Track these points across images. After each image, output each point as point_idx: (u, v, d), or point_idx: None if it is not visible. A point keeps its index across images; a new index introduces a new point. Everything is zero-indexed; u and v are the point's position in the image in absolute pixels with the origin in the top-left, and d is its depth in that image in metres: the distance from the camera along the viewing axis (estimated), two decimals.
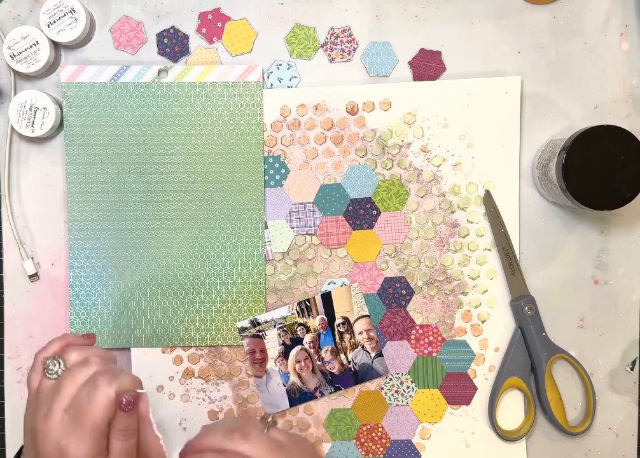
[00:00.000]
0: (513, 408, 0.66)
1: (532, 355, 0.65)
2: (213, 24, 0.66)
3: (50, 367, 0.52)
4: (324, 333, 0.65)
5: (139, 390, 0.53)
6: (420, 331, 0.66)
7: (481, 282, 0.66)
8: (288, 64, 0.66)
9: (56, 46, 0.65)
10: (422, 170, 0.66)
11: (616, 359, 0.66)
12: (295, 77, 0.66)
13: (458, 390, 0.66)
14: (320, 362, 0.65)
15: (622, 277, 0.66)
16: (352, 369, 0.66)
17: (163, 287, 0.66)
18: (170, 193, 0.66)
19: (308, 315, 0.65)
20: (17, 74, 0.65)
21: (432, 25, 0.66)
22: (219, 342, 0.66)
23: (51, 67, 0.66)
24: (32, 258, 0.66)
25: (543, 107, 0.66)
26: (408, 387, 0.66)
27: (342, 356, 0.65)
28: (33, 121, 0.64)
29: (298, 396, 0.66)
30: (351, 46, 0.66)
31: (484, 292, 0.66)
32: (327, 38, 0.66)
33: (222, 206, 0.66)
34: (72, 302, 0.66)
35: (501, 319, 0.66)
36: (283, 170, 0.66)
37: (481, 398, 0.66)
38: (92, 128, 0.65)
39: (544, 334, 0.65)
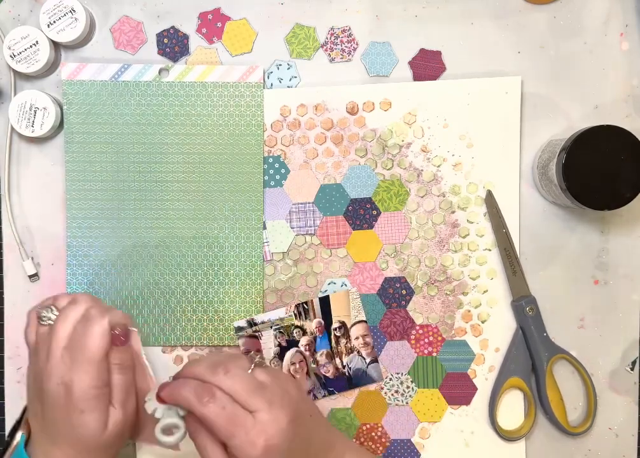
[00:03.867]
0: (513, 408, 0.66)
1: (533, 355, 0.65)
2: (213, 24, 0.66)
3: (44, 314, 0.56)
4: (321, 336, 0.65)
5: (130, 328, 0.56)
6: (420, 331, 0.66)
7: (481, 282, 0.66)
8: (288, 64, 0.66)
9: (56, 46, 0.65)
10: (422, 170, 0.66)
11: (616, 359, 0.66)
12: (295, 77, 0.66)
13: (458, 390, 0.66)
14: (315, 365, 0.65)
15: (622, 277, 0.66)
16: (347, 374, 0.65)
17: (161, 286, 0.66)
18: (169, 193, 0.66)
19: (305, 318, 0.65)
20: (17, 74, 0.65)
21: (432, 25, 0.66)
22: (216, 342, 0.66)
23: (51, 67, 0.66)
24: (32, 258, 0.66)
25: (543, 107, 0.66)
26: (408, 387, 0.66)
27: (337, 360, 0.65)
28: (33, 121, 0.64)
29: None
30: (351, 46, 0.66)
31: (484, 293, 0.66)
32: (327, 38, 0.66)
33: (221, 206, 0.66)
34: None
35: (501, 319, 0.66)
36: (283, 170, 0.66)
37: (481, 398, 0.66)
38: (92, 126, 0.65)
39: (545, 334, 0.65)
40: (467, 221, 0.66)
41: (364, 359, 0.65)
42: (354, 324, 0.65)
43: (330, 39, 0.66)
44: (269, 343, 0.65)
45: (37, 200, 0.67)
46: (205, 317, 0.66)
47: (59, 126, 0.66)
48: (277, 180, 0.66)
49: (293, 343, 0.65)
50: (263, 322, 0.65)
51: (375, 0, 0.66)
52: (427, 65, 0.66)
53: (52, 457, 0.54)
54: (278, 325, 0.65)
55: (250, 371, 0.53)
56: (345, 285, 0.66)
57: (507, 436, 0.65)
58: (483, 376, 0.66)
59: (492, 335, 0.66)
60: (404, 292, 0.66)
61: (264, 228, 0.66)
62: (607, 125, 0.58)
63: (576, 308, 0.66)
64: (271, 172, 0.66)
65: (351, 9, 0.66)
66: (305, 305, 0.65)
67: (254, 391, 0.51)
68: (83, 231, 0.66)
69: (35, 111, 0.64)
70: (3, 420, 0.67)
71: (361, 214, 0.66)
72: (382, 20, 0.66)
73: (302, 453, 0.53)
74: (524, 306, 0.65)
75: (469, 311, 0.66)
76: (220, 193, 0.66)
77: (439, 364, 0.66)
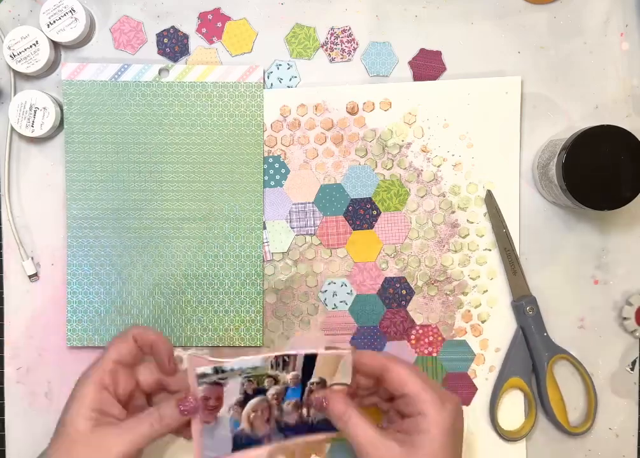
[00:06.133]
0: (513, 409, 0.66)
1: (533, 355, 0.65)
2: (213, 24, 0.66)
3: None
4: (294, 387, 0.57)
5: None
6: (420, 331, 0.66)
7: (481, 282, 0.66)
8: (288, 64, 0.66)
9: (56, 46, 0.65)
10: (422, 170, 0.66)
11: (616, 359, 0.66)
12: (295, 77, 0.66)
13: (458, 390, 0.66)
14: (278, 412, 0.57)
15: (622, 277, 0.66)
16: (310, 422, 0.58)
17: (160, 286, 0.66)
18: (169, 193, 0.66)
19: (282, 370, 0.57)
20: (17, 74, 0.65)
21: (432, 25, 0.66)
22: (216, 342, 0.66)
23: (51, 67, 0.66)
24: (32, 258, 0.66)
25: (543, 107, 0.66)
26: None
27: (304, 410, 0.58)
28: (33, 121, 0.64)
29: (244, 442, 0.57)
30: (351, 46, 0.66)
31: (484, 293, 0.66)
32: (327, 38, 0.66)
33: (221, 206, 0.66)
34: (70, 300, 0.66)
35: (501, 319, 0.66)
36: (283, 170, 0.66)
37: (481, 398, 0.66)
38: (92, 126, 0.65)
39: (545, 334, 0.65)
40: (467, 221, 0.66)
41: None
42: (336, 384, 0.58)
43: (330, 39, 0.66)
44: (234, 390, 0.56)
45: (37, 200, 0.67)
46: (205, 317, 0.66)
47: (59, 126, 0.66)
48: (277, 180, 0.66)
49: (261, 391, 0.56)
50: (232, 370, 0.55)
51: (375, 0, 0.66)
52: (427, 65, 0.66)
53: None
54: (249, 374, 0.55)
55: None
56: (345, 285, 0.66)
57: (508, 437, 0.65)
58: (484, 376, 0.66)
59: (492, 335, 0.66)
60: (404, 292, 0.66)
61: (264, 228, 0.66)
62: (607, 125, 0.58)
63: (576, 308, 0.66)
64: (271, 172, 0.66)
65: (351, 9, 0.66)
66: (285, 358, 0.56)
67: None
68: (84, 231, 0.66)
69: (35, 111, 0.64)
70: (3, 421, 0.67)
71: (361, 214, 0.66)
72: (382, 20, 0.66)
73: None
74: (524, 306, 0.65)
75: (469, 311, 0.66)
76: (220, 193, 0.66)
77: (440, 364, 0.66)
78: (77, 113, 0.65)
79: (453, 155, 0.66)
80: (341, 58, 0.66)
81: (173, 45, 0.66)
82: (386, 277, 0.66)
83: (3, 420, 0.67)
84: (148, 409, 0.55)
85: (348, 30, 0.66)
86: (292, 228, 0.66)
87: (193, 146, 0.66)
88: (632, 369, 0.66)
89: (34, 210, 0.67)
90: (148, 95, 0.65)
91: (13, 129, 0.65)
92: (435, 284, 0.66)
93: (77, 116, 0.65)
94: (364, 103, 0.66)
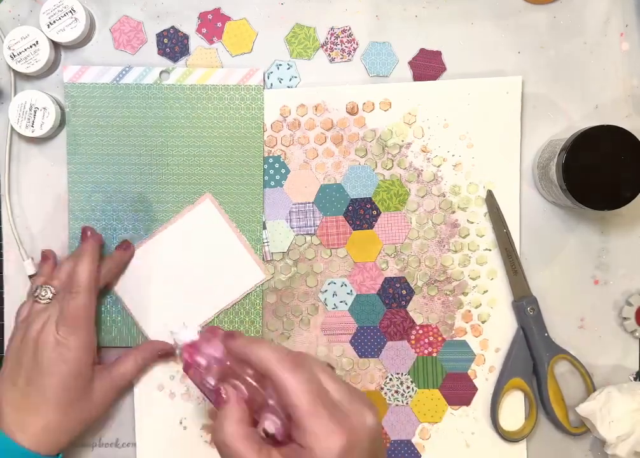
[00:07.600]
0: (514, 409, 0.66)
1: (534, 355, 0.65)
2: (213, 24, 0.66)
3: (42, 293, 0.61)
4: None
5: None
6: (420, 331, 0.66)
7: (482, 283, 0.66)
8: (288, 64, 0.66)
9: (56, 46, 0.66)
10: (422, 170, 0.66)
11: (616, 359, 0.66)
12: (295, 77, 0.66)
13: (458, 390, 0.66)
14: None
15: (622, 277, 0.66)
16: None
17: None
18: (170, 194, 0.66)
19: None
20: (17, 74, 0.65)
21: (432, 25, 0.66)
22: None
23: (51, 67, 0.66)
24: (32, 258, 0.66)
25: (543, 107, 0.66)
26: (408, 387, 0.66)
27: None
28: (33, 121, 0.64)
29: None
30: (351, 46, 0.66)
31: (484, 293, 0.66)
32: (327, 38, 0.66)
33: (221, 207, 0.66)
34: None
35: (501, 319, 0.66)
36: (283, 170, 0.66)
37: (481, 399, 0.66)
38: (94, 129, 0.65)
39: (546, 334, 0.65)
40: (468, 221, 0.66)
41: None
42: None
43: (330, 39, 0.66)
44: None
45: (37, 200, 0.67)
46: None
47: (59, 126, 0.66)
48: (277, 181, 0.66)
49: None
50: None
51: (375, 0, 0.66)
52: (427, 65, 0.66)
53: (30, 425, 0.57)
54: None
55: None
56: (345, 285, 0.66)
57: (509, 437, 0.65)
58: (484, 376, 0.66)
59: (492, 335, 0.66)
60: (404, 292, 0.66)
61: (264, 228, 0.66)
62: (607, 125, 0.58)
63: (576, 308, 0.66)
64: (271, 172, 0.66)
65: (351, 9, 0.66)
66: None
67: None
68: None
69: (35, 111, 0.64)
70: None
71: (361, 214, 0.66)
72: (382, 20, 0.66)
73: None
74: (525, 306, 0.65)
75: (469, 311, 0.66)
76: (220, 195, 0.66)
77: (440, 365, 0.66)
78: (80, 115, 0.65)
79: (453, 155, 0.66)
80: (341, 58, 0.66)
81: (173, 45, 0.66)
82: (386, 277, 0.66)
83: None
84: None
85: (348, 30, 0.66)
86: (292, 228, 0.66)
87: (194, 148, 0.66)
88: (636, 379, 0.66)
89: (34, 210, 0.67)
90: (149, 98, 0.65)
91: (13, 129, 0.65)
92: (435, 284, 0.66)
93: (79, 118, 0.65)
94: (364, 103, 0.66)
